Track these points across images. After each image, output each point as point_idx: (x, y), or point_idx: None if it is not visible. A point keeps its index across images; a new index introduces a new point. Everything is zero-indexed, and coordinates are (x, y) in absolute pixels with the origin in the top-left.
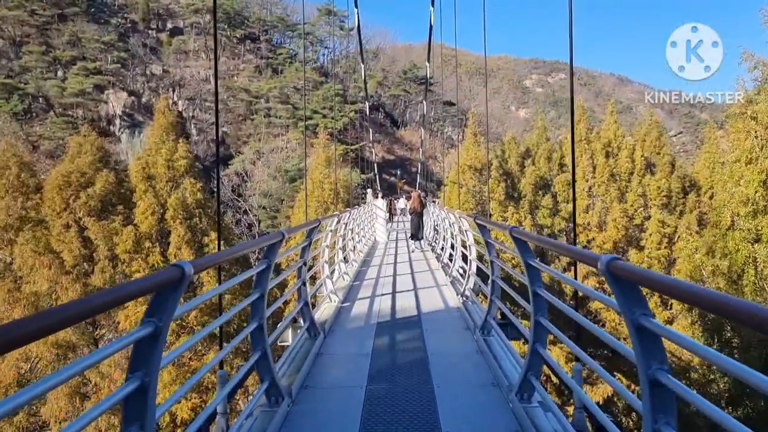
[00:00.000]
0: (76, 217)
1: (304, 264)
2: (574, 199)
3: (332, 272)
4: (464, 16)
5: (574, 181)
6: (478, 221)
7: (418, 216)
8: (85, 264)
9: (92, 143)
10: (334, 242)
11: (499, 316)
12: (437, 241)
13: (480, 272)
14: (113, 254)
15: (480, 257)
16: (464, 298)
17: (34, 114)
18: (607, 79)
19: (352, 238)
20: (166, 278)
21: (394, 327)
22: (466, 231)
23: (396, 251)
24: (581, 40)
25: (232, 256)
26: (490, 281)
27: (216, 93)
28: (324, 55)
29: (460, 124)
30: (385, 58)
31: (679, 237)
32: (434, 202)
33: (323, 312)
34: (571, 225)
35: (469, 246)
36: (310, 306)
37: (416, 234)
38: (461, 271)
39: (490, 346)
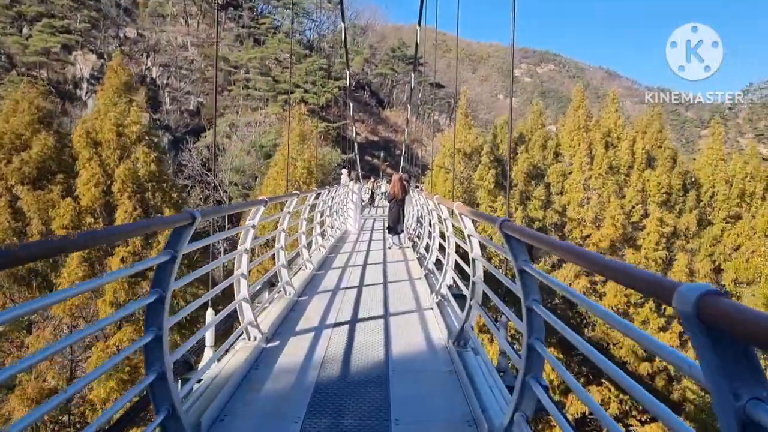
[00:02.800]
0: (7, 185)
1: (159, 299)
2: None
3: (259, 292)
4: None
5: None
6: (506, 230)
7: (398, 204)
8: (15, 239)
9: (31, 101)
10: (268, 241)
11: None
12: (421, 238)
13: (487, 300)
14: (48, 230)
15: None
16: (460, 345)
17: None
18: (595, 72)
19: (308, 232)
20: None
21: (342, 397)
22: (470, 236)
23: (369, 247)
24: (570, 31)
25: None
26: (524, 344)
27: None
28: (310, 28)
29: (450, 108)
30: (374, 34)
31: (753, 253)
32: (417, 188)
33: (230, 363)
34: (564, 219)
35: (474, 260)
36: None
37: (395, 227)
38: (455, 289)
39: None
